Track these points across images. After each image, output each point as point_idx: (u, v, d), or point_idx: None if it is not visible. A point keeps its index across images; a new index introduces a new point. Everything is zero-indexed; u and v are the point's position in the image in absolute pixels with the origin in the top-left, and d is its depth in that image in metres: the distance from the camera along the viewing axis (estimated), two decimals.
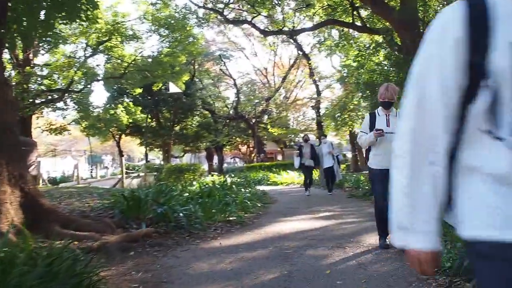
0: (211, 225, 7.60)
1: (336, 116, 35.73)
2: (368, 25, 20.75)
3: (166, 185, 12.60)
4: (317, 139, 15.30)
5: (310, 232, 7.02)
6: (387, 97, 5.53)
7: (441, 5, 16.86)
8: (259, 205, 10.62)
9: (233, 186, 13.29)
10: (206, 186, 13.22)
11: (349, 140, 42.88)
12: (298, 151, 14.74)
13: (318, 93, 40.70)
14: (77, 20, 10.33)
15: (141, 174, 20.46)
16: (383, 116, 5.64)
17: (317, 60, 41.52)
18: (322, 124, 38.93)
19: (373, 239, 6.19)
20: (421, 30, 16.91)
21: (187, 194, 10.62)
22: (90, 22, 11.95)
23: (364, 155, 6.55)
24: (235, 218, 8.30)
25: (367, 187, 14.80)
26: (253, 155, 53.16)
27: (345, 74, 33.11)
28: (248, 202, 9.93)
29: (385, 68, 17.96)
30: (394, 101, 5.62)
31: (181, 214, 7.21)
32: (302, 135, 50.04)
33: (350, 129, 38.57)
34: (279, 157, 52.85)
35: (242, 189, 13.61)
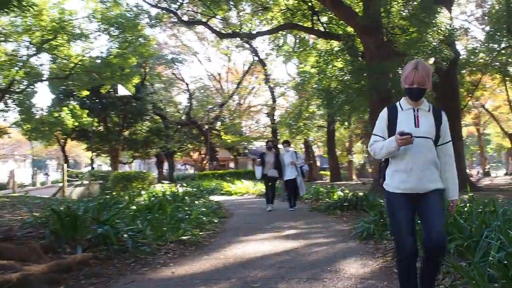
0: (162, 247, 6.50)
1: (292, 123, 35.29)
2: (328, 31, 20.12)
3: (112, 196, 11.45)
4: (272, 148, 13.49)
5: (277, 257, 6.01)
6: (417, 81, 3.38)
7: (402, 10, 16.34)
8: (215, 220, 9.54)
9: (186, 197, 12.15)
10: (156, 197, 12.10)
11: (304, 149, 42.52)
12: (260, 160, 12.98)
13: (274, 99, 40.05)
14: (9, 9, 9.05)
15: (85, 182, 19.01)
16: (409, 112, 3.50)
17: (272, 67, 40.98)
18: (277, 131, 38.41)
19: (353, 267, 5.28)
20: (385, 36, 16.36)
21: (135, 207, 9.51)
22: (23, 10, 10.67)
23: (378, 171, 4.11)
24: (189, 237, 7.23)
25: (327, 199, 14.02)
26: (204, 162, 52.32)
27: (300, 81, 32.68)
28: (204, 218, 8.83)
29: (345, 76, 17.22)
30: (426, 88, 3.45)
31: (125, 236, 6.08)
32: (260, 142, 49.61)
33: (305, 137, 38.15)
34: (231, 165, 52.07)
35: (196, 201, 12.56)
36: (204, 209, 9.73)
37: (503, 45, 22.23)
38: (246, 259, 5.95)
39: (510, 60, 26.99)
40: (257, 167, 13.19)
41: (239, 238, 7.68)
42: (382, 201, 8.88)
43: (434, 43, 15.45)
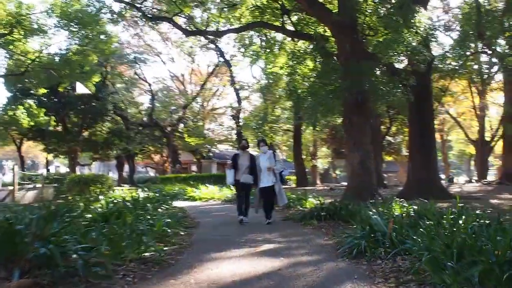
0: (120, 267, 5.47)
1: (257, 127, 34.69)
2: (298, 30, 19.34)
3: (66, 202, 10.31)
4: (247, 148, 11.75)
5: (260, 283, 5.03)
6: None
7: (378, 8, 15.68)
8: (182, 233, 8.50)
9: (148, 204, 11.03)
10: (115, 203, 10.97)
11: None
12: (232, 162, 11.09)
13: (239, 101, 39.20)
14: None
15: (38, 185, 17.64)
16: None
17: (237, 69, 40.24)
18: (242, 134, 37.69)
19: None
20: (360, 36, 15.64)
21: (90, 215, 8.43)
22: None
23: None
24: (152, 253, 6.21)
25: (299, 207, 13.17)
26: (166, 165, 51.26)
27: (266, 83, 31.92)
28: (168, 230, 7.76)
29: (318, 77, 16.38)
30: None
31: (74, 256, 5.02)
32: (224, 146, 48.71)
33: (271, 141, 37.38)
34: (194, 168, 51.07)
35: (159, 209, 11.48)
36: (169, 220, 8.61)
37: (471, 51, 21.97)
38: (223, 285, 4.97)
39: (477, 66, 26.91)
40: (228, 170, 11.09)
41: (210, 254, 6.66)
42: (372, 211, 7.98)
43: (414, 43, 14.85)
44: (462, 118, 44.15)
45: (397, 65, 17.58)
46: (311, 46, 17.79)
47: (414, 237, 6.01)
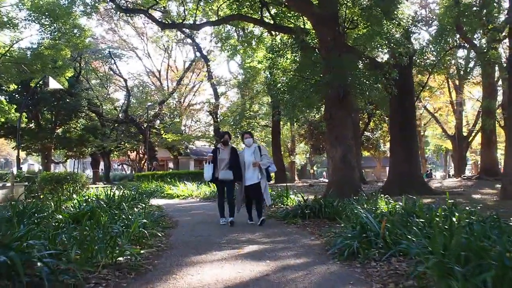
0: (91, 275, 4.94)
1: (235, 122, 34.36)
2: (278, 23, 18.93)
3: (35, 201, 9.71)
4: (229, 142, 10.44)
5: None
6: None
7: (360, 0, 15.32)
8: (160, 234, 7.98)
9: (123, 203, 10.45)
10: (89, 202, 10.40)
11: None
12: (212, 155, 10.07)
13: (217, 97, 38.67)
14: None
15: (8, 184, 16.91)
16: None
17: (214, 65, 39.77)
18: (220, 130, 37.29)
19: None
20: (341, 27, 15.27)
21: (61, 216, 7.88)
22: None
23: None
24: (128, 257, 5.69)
25: (281, 204, 12.77)
26: (143, 162, 50.63)
27: (245, 78, 31.50)
28: (145, 231, 7.23)
29: (300, 71, 15.92)
30: None
31: (39, 264, 4.50)
32: (201, 142, 48.12)
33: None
34: (171, 165, 50.51)
35: (135, 208, 10.92)
36: (146, 221, 8.05)
37: (450, 46, 21.81)
38: None
39: (454, 61, 26.78)
40: (206, 165, 9.98)
41: (190, 258, 6.16)
42: (361, 209, 7.56)
43: (397, 35, 14.57)
44: (439, 114, 44.25)
45: (379, 59, 17.33)
46: (290, 40, 17.37)
47: (409, 236, 5.63)
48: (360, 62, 15.61)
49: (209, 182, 14.19)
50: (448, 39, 20.22)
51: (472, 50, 27.01)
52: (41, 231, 5.81)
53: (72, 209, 9.43)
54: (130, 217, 8.23)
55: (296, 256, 6.19)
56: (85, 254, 5.28)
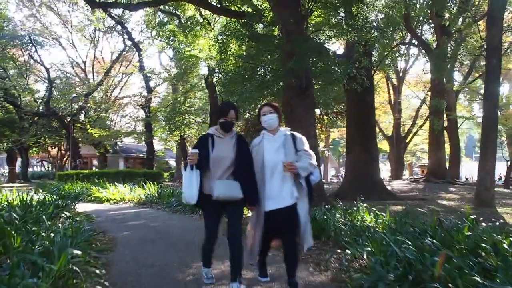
0: None
1: (166, 118, 32.25)
2: (225, 6, 16.82)
3: None
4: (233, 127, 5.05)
5: None
6: None
7: None
8: (97, 271, 5.23)
9: (44, 216, 7.87)
10: None
11: (179, 146, 39.28)
12: (196, 151, 4.63)
13: (149, 90, 36.05)
14: None
15: None
16: None
17: (144, 58, 37.17)
18: (151, 125, 34.90)
19: None
20: (303, 9, 13.39)
21: None
22: None
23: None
24: None
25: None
26: (65, 159, 47.40)
27: (177, 71, 29.42)
28: (77, 269, 4.69)
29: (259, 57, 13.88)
30: None
31: None
32: (131, 139, 45.38)
33: (182, 133, 34.75)
34: (95, 162, 47.56)
35: (59, 220, 8.51)
36: (78, 252, 5.30)
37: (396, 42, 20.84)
38: None
39: (395, 58, 25.70)
40: (185, 172, 4.75)
41: None
42: (383, 232, 5.58)
43: (360, 23, 12.96)
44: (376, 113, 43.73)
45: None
46: (239, 25, 15.35)
47: (476, 278, 3.79)
48: (327, 48, 13.84)
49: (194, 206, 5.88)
50: (395, 35, 18.91)
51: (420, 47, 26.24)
52: None
53: None
54: (52, 235, 5.88)
55: None
56: None
